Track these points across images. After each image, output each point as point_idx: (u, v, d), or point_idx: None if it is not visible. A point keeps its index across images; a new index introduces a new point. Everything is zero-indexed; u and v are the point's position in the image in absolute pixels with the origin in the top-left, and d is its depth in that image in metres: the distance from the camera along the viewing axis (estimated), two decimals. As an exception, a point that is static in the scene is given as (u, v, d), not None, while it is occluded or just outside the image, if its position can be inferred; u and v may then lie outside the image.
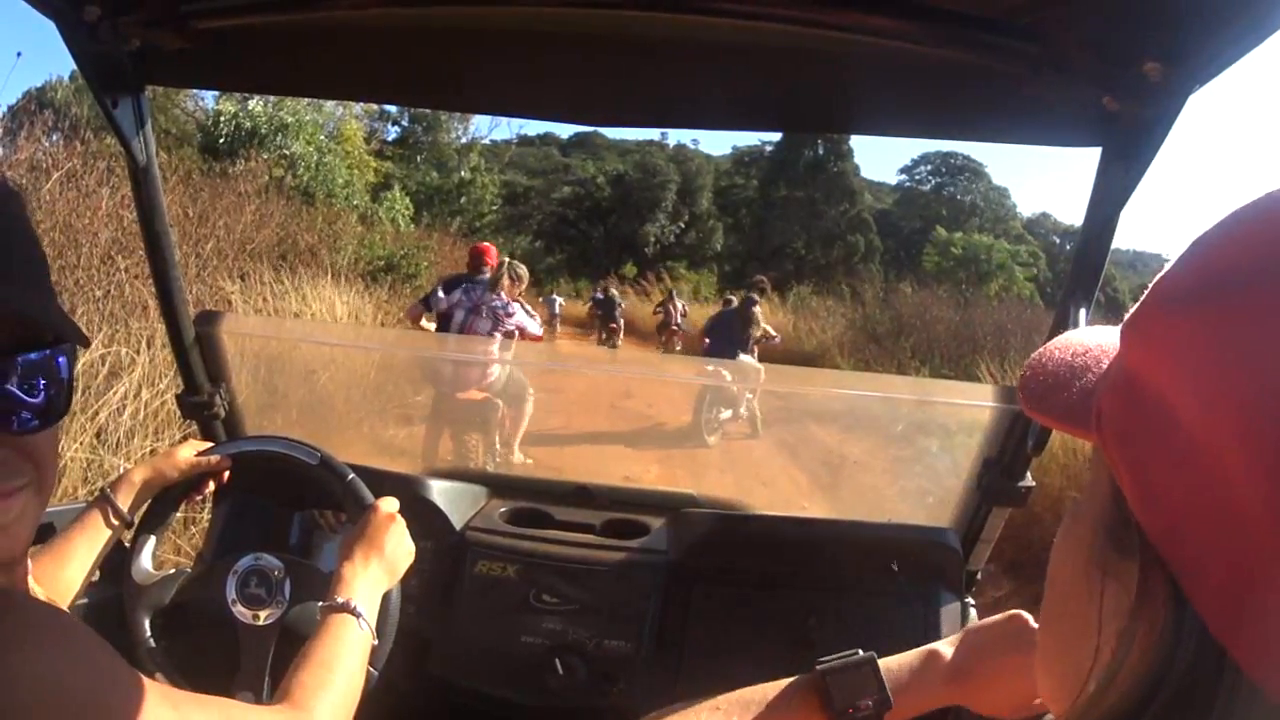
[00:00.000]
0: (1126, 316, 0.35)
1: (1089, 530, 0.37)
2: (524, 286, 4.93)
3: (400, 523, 1.09)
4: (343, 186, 15.23)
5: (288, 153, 14.29)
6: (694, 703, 0.71)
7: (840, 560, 1.36)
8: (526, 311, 4.93)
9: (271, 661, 1.12)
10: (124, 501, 1.13)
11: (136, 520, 1.18)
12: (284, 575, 1.15)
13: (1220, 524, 0.29)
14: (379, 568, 1.02)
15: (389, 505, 1.11)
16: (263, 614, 1.14)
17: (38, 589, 0.80)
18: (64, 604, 0.99)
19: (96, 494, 1.13)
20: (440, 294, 4.80)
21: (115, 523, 1.11)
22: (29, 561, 0.74)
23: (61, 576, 1.03)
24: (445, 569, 1.39)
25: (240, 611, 1.14)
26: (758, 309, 7.78)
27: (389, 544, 1.05)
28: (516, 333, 4.80)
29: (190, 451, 1.22)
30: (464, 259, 5.54)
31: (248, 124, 14.25)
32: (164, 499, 1.21)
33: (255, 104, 14.54)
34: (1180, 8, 0.80)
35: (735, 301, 8.74)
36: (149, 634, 1.12)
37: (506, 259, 4.90)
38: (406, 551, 1.08)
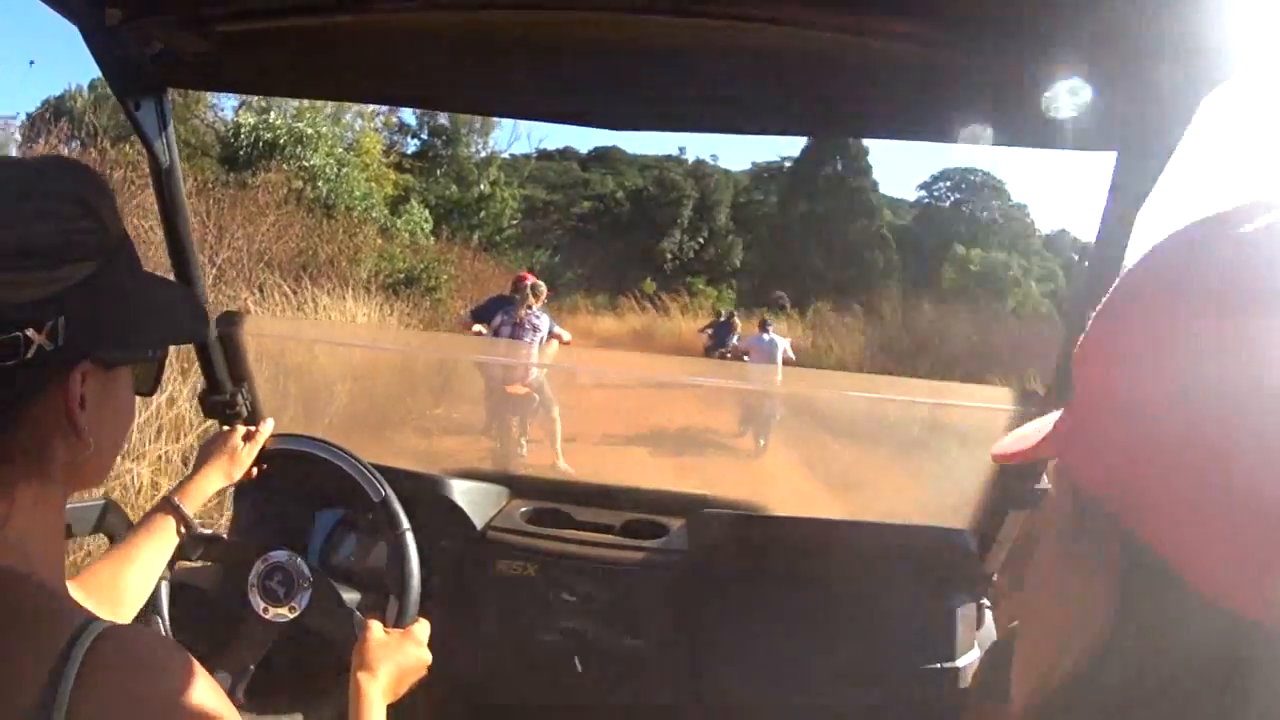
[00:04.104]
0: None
1: (1052, 536, 0.44)
2: (544, 298, 6.11)
3: (425, 648, 1.09)
4: (361, 199, 15.24)
5: (307, 164, 14.38)
6: None
7: (857, 561, 1.37)
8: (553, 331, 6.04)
9: (262, 659, 1.15)
10: (192, 508, 1.10)
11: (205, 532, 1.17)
12: (307, 586, 1.17)
13: (1144, 457, 0.37)
14: (391, 689, 0.99)
15: (423, 631, 1.11)
16: (272, 610, 1.16)
17: (83, 595, 0.74)
18: (125, 610, 0.93)
19: (161, 500, 1.10)
20: (490, 316, 5.95)
21: (183, 532, 1.08)
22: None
23: (121, 582, 0.96)
24: (466, 568, 1.40)
25: (253, 599, 1.16)
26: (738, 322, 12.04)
27: (411, 670, 1.04)
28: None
29: (240, 440, 1.23)
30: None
31: (267, 135, 14.35)
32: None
33: (275, 116, 14.66)
34: (1195, 9, 0.81)
35: (724, 316, 12.72)
36: (165, 597, 1.16)
37: (528, 282, 6.02)
38: (421, 669, 1.07)
